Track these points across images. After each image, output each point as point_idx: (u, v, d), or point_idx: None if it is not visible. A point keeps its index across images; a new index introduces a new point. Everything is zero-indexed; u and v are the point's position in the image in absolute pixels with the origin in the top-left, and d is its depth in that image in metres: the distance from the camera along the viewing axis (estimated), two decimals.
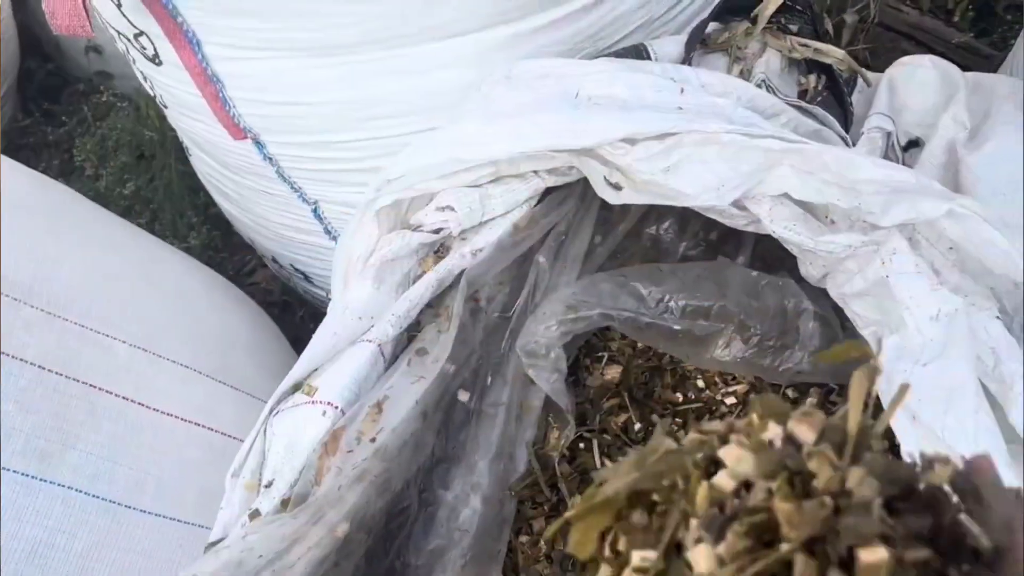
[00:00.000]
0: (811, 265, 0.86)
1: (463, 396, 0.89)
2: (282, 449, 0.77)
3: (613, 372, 1.02)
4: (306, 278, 1.61)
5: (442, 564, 0.78)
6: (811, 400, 0.95)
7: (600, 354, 1.04)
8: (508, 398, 0.90)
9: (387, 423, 0.77)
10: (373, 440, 0.75)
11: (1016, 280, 0.72)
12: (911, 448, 0.68)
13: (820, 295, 0.88)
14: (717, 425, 0.34)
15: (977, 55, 2.02)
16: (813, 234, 0.80)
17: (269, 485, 0.75)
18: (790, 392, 0.97)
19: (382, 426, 0.77)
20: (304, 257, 1.52)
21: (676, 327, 0.90)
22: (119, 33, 1.18)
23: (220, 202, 1.64)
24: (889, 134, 0.98)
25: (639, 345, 1.04)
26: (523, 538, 0.88)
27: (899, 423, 0.69)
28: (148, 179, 1.96)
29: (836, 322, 0.89)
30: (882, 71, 1.08)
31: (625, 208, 1.00)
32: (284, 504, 0.73)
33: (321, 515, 0.69)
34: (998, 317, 0.75)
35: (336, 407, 0.78)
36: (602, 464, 0.94)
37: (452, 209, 0.90)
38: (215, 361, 1.14)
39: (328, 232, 1.38)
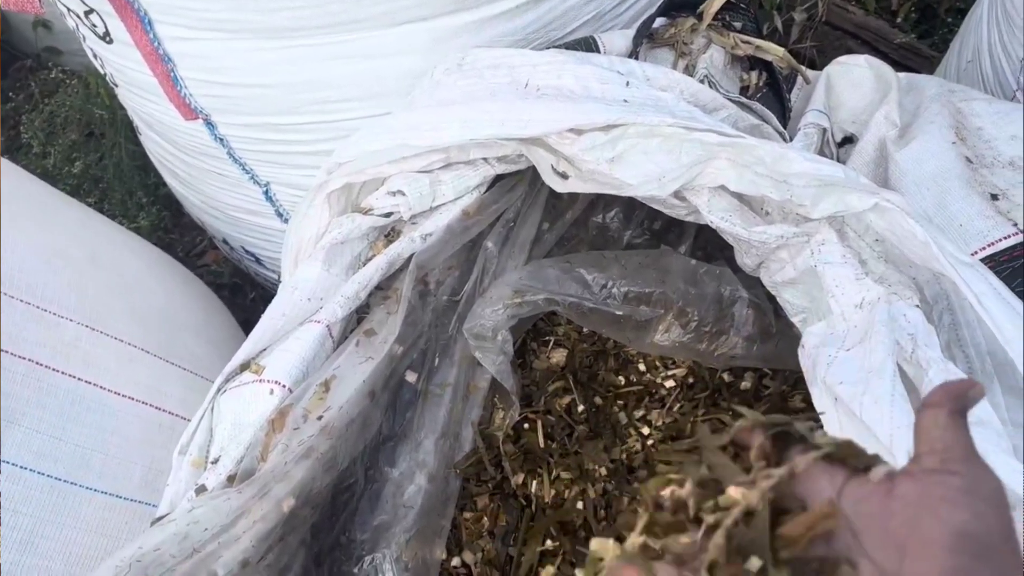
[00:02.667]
0: (746, 255, 0.89)
1: (411, 377, 0.91)
2: (229, 426, 0.77)
3: (559, 356, 1.05)
4: (257, 260, 1.61)
5: (387, 539, 0.80)
6: (745, 384, 0.99)
7: (547, 338, 1.06)
8: (455, 379, 0.92)
9: (334, 402, 0.78)
10: (320, 418, 0.77)
11: (935, 270, 0.76)
12: (832, 429, 0.72)
13: (755, 283, 0.92)
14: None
15: (919, 55, 2.09)
16: (748, 224, 0.83)
17: (215, 462, 0.76)
18: (726, 376, 1.01)
19: (329, 404, 0.78)
20: (255, 239, 1.51)
21: (618, 312, 0.93)
22: (69, 9, 1.16)
23: (171, 182, 1.62)
24: (825, 130, 1.02)
25: (584, 330, 1.06)
26: (467, 514, 0.91)
27: (822, 401, 0.73)
28: (97, 158, 1.93)
29: (769, 309, 0.92)
30: None
31: (573, 196, 1.03)
32: (230, 480, 0.74)
33: (267, 490, 0.71)
34: (918, 306, 0.79)
35: (283, 386, 0.79)
36: (545, 444, 0.97)
37: (403, 194, 0.91)
38: (162, 340, 1.14)
39: (279, 214, 1.38)
